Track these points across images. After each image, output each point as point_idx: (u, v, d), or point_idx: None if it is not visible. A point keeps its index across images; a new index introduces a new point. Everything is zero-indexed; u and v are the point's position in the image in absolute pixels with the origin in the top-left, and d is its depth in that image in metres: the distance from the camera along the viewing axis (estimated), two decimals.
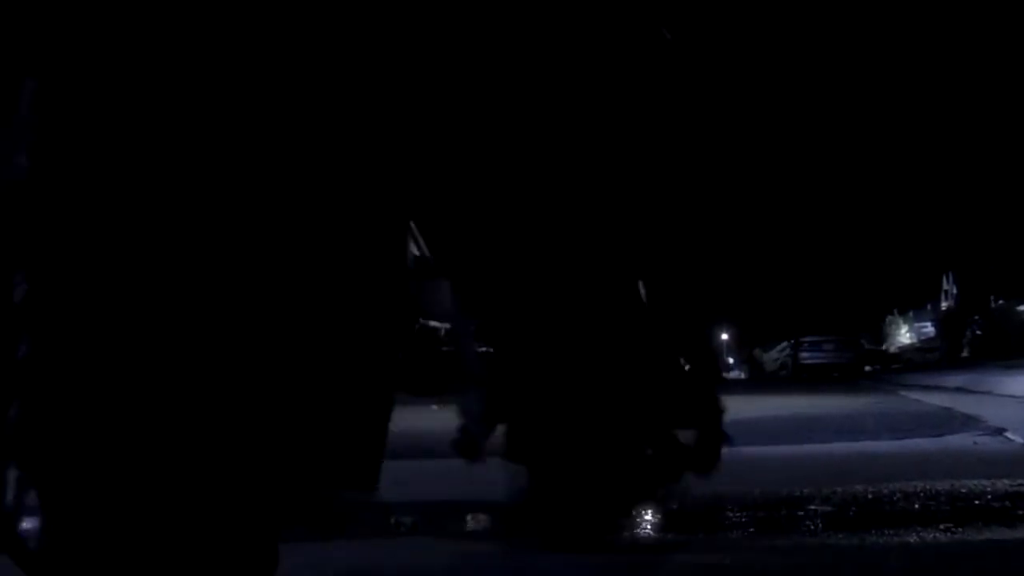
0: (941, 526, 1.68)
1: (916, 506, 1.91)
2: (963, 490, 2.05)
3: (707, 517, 1.98)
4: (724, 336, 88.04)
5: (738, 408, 6.91)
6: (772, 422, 4.87)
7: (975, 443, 3.08)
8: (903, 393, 9.16)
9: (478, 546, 1.89)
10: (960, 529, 1.65)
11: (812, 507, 1.95)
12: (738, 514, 1.93)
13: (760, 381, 33.23)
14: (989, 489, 2.03)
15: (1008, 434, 3.34)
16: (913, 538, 1.59)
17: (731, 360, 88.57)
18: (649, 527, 1.89)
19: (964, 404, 5.75)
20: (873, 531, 1.65)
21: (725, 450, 3.24)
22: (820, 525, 1.77)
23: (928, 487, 2.09)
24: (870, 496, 2.04)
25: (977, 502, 1.93)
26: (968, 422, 4.04)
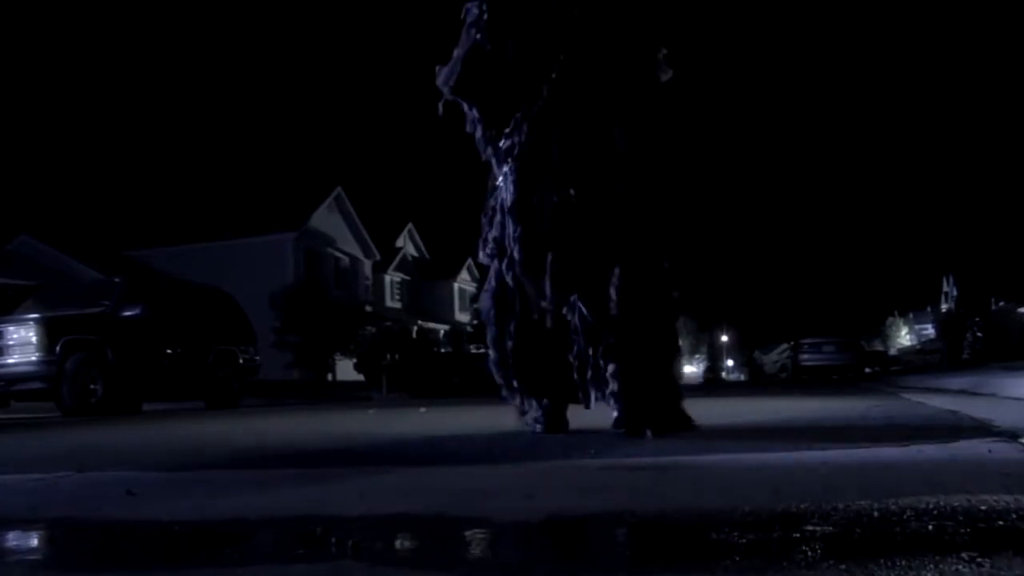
0: (963, 554, 1.41)
1: (930, 527, 1.64)
2: (983, 507, 1.77)
3: (687, 540, 1.73)
4: (724, 338, 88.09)
5: (735, 411, 6.66)
6: (769, 426, 4.64)
7: (990, 451, 2.80)
8: (905, 396, 8.91)
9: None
10: (987, 560, 1.37)
11: (809, 528, 1.68)
12: (724, 535, 1.66)
13: (759, 383, 32.96)
14: (1013, 507, 1.76)
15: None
16: (930, 572, 1.33)
17: (731, 362, 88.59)
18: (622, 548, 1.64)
19: (970, 407, 5.51)
20: (882, 560, 1.38)
21: (718, 457, 3.00)
22: (819, 551, 1.50)
23: (942, 503, 1.82)
24: (876, 514, 1.76)
25: (1001, 523, 1.65)
26: (978, 427, 3.77)
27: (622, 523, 1.85)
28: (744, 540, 1.62)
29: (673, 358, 4.42)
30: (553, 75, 4.24)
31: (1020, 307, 27.98)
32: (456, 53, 4.47)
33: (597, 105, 4.27)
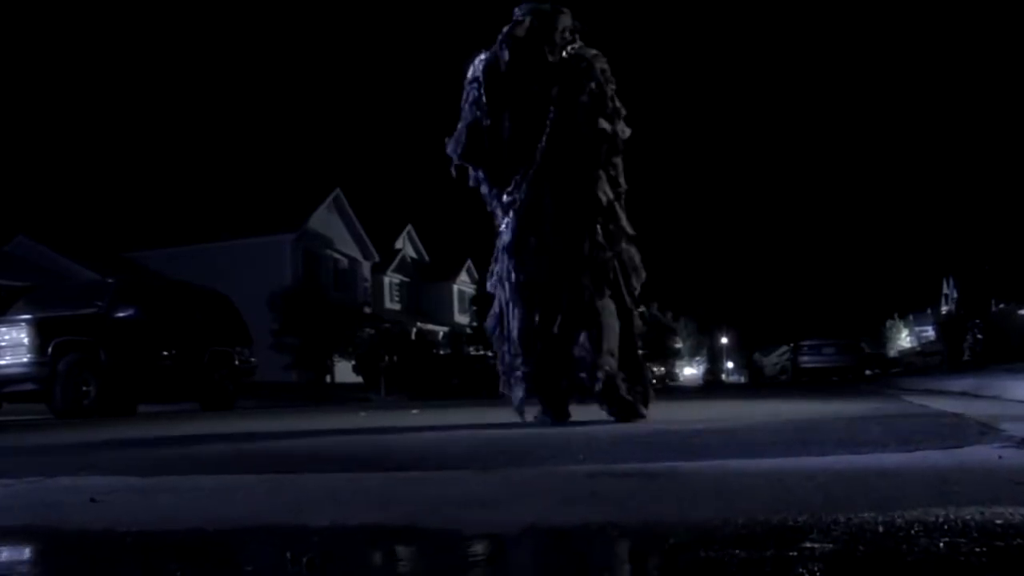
0: None
1: (941, 545, 1.48)
2: (998, 521, 1.62)
3: (674, 557, 1.58)
4: (724, 340, 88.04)
5: (733, 413, 6.51)
6: (767, 429, 4.49)
7: (1000, 458, 2.65)
8: (907, 398, 8.75)
9: None
10: None
11: (808, 544, 1.53)
12: (714, 552, 1.52)
13: (759, 385, 32.82)
14: None
15: None
16: None
17: (731, 364, 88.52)
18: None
19: (974, 409, 5.36)
20: None
21: (711, 463, 2.86)
22: (818, 572, 1.35)
23: (952, 517, 1.67)
24: (881, 529, 1.61)
25: (1020, 541, 1.50)
26: (985, 431, 3.62)
27: (605, 536, 1.70)
28: (736, 559, 1.47)
29: (641, 359, 5.67)
30: (541, 143, 5.28)
31: (1020, 309, 27.81)
32: (460, 126, 5.54)
33: (579, 163, 5.35)
